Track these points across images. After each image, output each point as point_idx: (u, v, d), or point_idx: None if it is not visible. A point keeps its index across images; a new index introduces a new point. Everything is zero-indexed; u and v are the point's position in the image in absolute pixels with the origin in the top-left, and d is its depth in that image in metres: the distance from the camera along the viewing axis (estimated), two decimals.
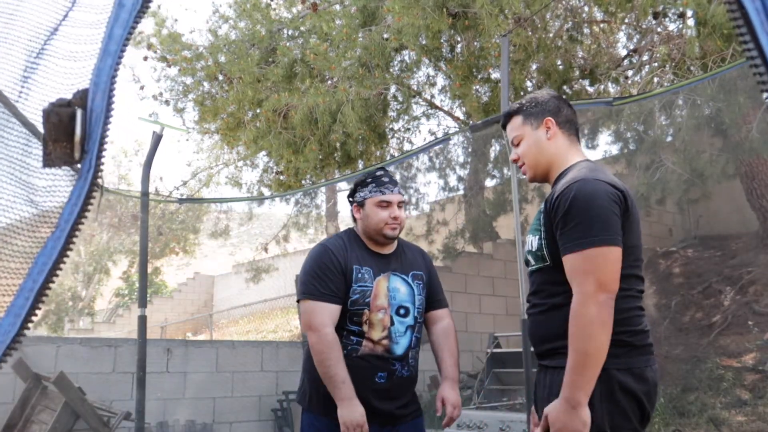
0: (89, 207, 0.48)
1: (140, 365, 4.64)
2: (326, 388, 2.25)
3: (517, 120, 1.95)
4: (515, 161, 1.99)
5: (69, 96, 0.50)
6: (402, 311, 2.34)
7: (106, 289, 21.59)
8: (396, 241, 2.50)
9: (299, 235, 13.39)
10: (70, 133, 0.48)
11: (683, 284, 8.71)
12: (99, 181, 0.47)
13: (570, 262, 1.67)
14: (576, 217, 1.66)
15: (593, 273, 1.60)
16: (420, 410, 2.45)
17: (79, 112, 0.48)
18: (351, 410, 2.14)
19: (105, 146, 0.50)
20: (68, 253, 0.47)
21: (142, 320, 4.80)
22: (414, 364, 2.39)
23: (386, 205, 2.38)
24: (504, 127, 2.02)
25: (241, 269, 17.40)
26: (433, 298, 2.51)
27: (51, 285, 0.49)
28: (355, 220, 2.49)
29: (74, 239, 0.48)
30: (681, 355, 7.06)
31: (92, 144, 0.48)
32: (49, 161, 0.49)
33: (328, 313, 2.25)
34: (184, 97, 9.42)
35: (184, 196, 11.40)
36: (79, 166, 0.48)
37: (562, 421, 1.60)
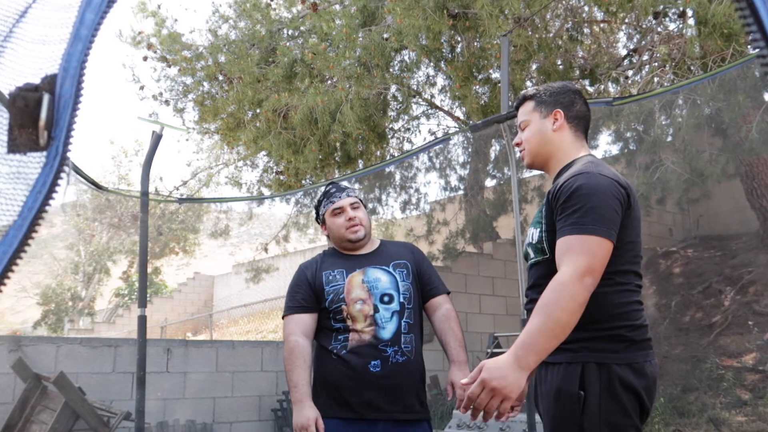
0: (54, 195, 0.47)
1: (140, 365, 4.62)
2: (326, 390, 2.30)
3: (529, 105, 1.94)
4: (517, 145, 1.98)
5: (37, 81, 0.49)
6: (386, 298, 2.38)
7: (106, 289, 21.59)
8: (377, 242, 2.59)
9: (299, 235, 13.36)
10: (37, 119, 0.47)
11: (683, 284, 8.70)
12: (65, 168, 0.46)
13: (564, 242, 1.64)
14: (576, 204, 1.65)
15: (587, 255, 1.58)
16: (428, 413, 2.41)
17: (46, 97, 0.47)
18: (299, 413, 2.25)
19: (73, 133, 0.49)
20: (30, 242, 0.46)
21: (142, 320, 4.79)
22: (411, 350, 2.36)
23: (340, 211, 2.51)
24: (517, 108, 2.01)
25: (241, 269, 17.38)
26: (428, 286, 2.53)
27: (9, 275, 0.48)
28: (329, 238, 2.61)
29: (37, 228, 0.47)
30: (681, 355, 7.04)
31: (59, 131, 0.47)
32: (14, 147, 0.48)
33: (294, 322, 2.41)
34: (184, 97, 9.41)
35: (184, 196, 11.37)
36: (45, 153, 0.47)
37: (502, 374, 1.51)
